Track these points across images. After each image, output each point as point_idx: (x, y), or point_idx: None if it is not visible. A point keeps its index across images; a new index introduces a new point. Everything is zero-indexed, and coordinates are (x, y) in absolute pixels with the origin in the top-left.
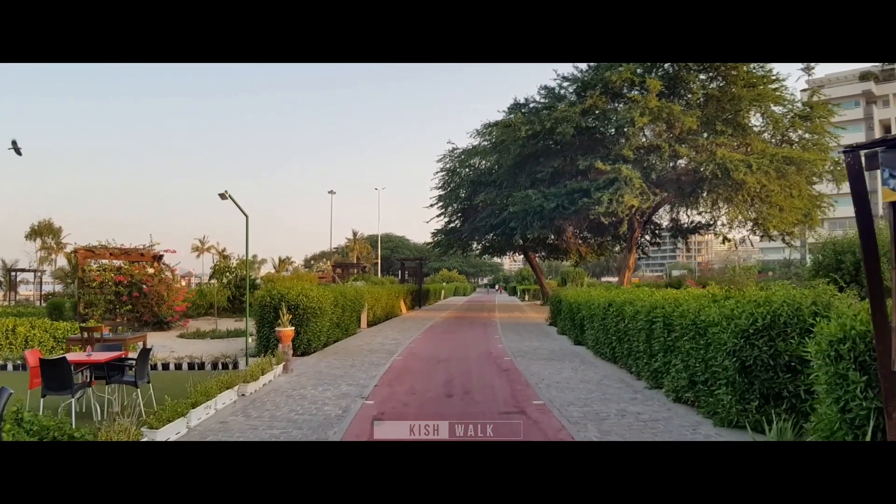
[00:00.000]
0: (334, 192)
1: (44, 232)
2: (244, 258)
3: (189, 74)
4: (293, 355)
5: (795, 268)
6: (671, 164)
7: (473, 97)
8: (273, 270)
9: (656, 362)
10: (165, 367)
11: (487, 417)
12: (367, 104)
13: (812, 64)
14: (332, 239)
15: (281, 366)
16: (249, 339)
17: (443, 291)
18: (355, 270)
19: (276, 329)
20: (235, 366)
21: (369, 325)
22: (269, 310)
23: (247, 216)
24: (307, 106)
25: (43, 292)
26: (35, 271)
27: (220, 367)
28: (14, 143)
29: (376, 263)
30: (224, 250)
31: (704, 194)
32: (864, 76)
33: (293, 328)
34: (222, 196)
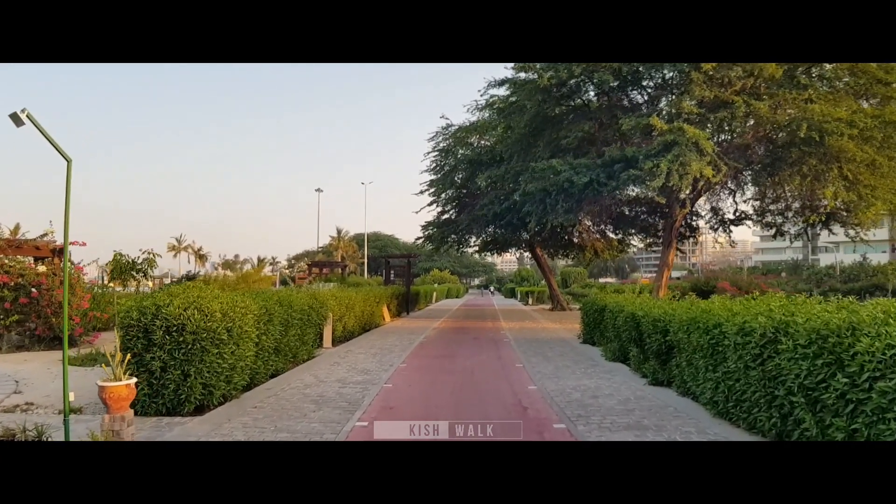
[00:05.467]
0: (321, 191)
1: None
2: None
3: (173, 72)
4: (182, 412)
5: (807, 269)
6: (744, 126)
7: (467, 96)
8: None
9: None
10: None
11: None
12: (364, 103)
13: None
14: (318, 238)
15: None
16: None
17: (434, 294)
18: (339, 270)
19: (99, 383)
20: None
21: (337, 341)
22: (138, 335)
23: (69, 160)
24: (301, 103)
25: None
26: None
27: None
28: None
29: (363, 263)
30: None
31: (787, 167)
32: None
33: (133, 381)
34: (15, 118)
